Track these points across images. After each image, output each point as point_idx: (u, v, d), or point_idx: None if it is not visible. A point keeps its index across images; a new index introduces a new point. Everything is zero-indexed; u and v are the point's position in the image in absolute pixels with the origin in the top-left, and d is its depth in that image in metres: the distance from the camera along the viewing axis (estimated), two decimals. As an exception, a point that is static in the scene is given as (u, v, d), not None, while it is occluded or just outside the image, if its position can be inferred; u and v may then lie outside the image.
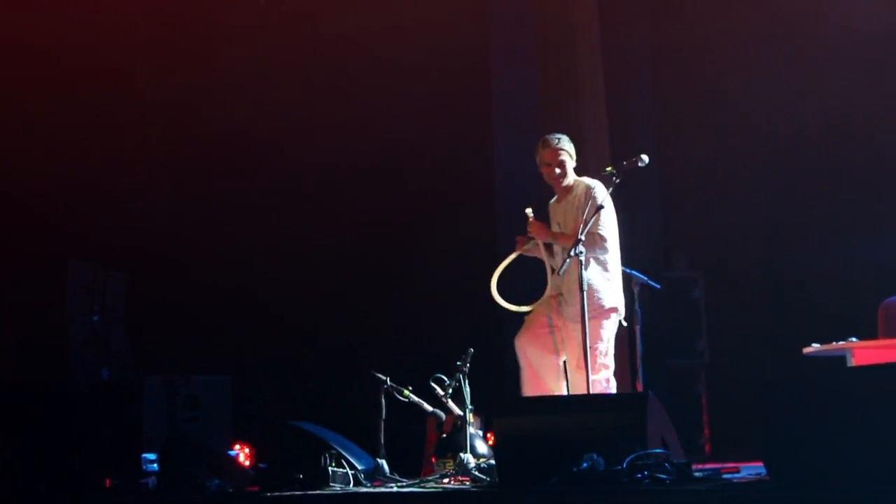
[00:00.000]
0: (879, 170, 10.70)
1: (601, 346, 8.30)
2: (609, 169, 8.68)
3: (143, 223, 12.08)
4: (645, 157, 8.46)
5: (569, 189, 8.61)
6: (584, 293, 8.04)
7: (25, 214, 11.30)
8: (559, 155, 8.57)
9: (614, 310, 8.39)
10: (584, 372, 8.08)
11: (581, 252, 8.06)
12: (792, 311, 10.94)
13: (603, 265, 8.41)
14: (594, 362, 8.15)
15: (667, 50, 12.04)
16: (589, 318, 8.09)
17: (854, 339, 8.33)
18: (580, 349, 8.07)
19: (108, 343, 11.06)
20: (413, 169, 11.62)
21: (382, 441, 8.43)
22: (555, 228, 8.62)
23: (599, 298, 8.33)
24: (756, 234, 10.97)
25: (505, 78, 11.60)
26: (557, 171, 8.56)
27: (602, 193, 8.35)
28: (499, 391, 10.04)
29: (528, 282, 8.71)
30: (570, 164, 8.60)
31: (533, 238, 8.58)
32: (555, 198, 8.75)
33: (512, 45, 11.67)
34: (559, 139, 8.61)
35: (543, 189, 11.40)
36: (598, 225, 8.30)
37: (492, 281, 8.71)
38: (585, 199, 8.39)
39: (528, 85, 11.66)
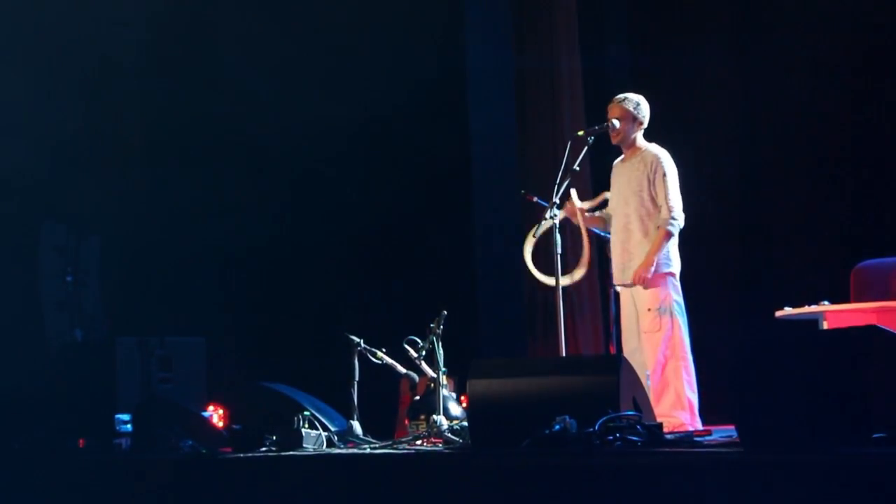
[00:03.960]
0: (857, 135, 10.70)
1: None
2: (580, 133, 8.72)
3: (117, 184, 12.04)
4: (616, 122, 8.58)
5: (633, 152, 8.64)
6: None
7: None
8: (613, 112, 8.65)
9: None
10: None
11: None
12: (765, 273, 10.98)
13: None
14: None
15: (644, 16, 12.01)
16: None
17: (826, 303, 8.36)
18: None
19: (82, 304, 11.04)
20: (385, 137, 11.60)
21: (356, 403, 8.43)
22: (615, 187, 8.74)
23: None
24: (730, 196, 10.98)
25: (481, 51, 11.58)
26: (612, 127, 8.65)
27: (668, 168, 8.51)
28: (472, 353, 10.07)
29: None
30: (628, 125, 8.60)
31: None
32: (620, 157, 8.80)
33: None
34: (622, 97, 8.66)
35: (519, 154, 11.42)
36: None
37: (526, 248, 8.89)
38: (649, 167, 8.51)
39: (505, 60, 11.64)
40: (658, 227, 8.43)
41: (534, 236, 8.77)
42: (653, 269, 8.42)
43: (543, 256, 9.00)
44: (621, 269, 8.60)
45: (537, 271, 8.97)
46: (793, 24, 10.97)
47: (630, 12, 12.04)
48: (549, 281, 8.86)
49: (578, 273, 8.83)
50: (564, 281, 8.68)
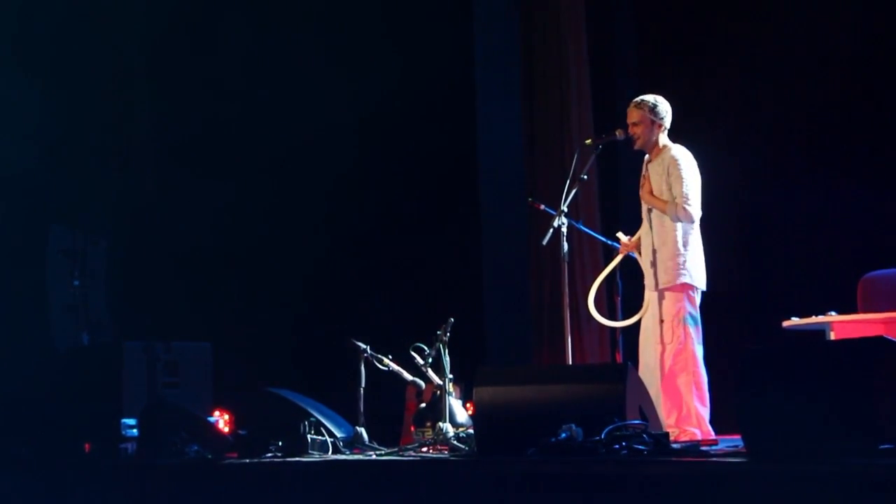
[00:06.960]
0: (865, 145, 10.68)
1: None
2: (588, 142, 8.72)
3: (125, 188, 12.05)
4: (621, 133, 8.58)
5: (657, 153, 8.59)
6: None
7: (7, 179, 11.24)
8: (631, 116, 8.60)
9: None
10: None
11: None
12: (772, 283, 10.95)
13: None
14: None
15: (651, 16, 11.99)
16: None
17: (833, 314, 8.35)
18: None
19: (89, 308, 11.03)
20: (393, 143, 11.60)
21: (362, 409, 8.44)
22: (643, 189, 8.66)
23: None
24: (736, 206, 10.96)
25: (489, 58, 11.58)
26: (632, 131, 8.60)
27: (684, 164, 8.45)
28: (479, 361, 10.07)
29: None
30: (647, 128, 8.54)
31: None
32: (647, 157, 8.74)
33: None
34: (639, 100, 8.60)
35: (527, 162, 11.42)
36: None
37: (589, 296, 8.89)
38: (667, 169, 8.46)
39: (512, 62, 11.63)
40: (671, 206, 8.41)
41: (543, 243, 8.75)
42: (656, 203, 8.44)
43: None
44: (650, 271, 8.55)
45: (599, 315, 8.97)
46: (798, 28, 10.95)
47: (638, 18, 12.03)
48: (613, 324, 8.96)
49: (640, 314, 8.74)
50: (626, 322, 8.75)
